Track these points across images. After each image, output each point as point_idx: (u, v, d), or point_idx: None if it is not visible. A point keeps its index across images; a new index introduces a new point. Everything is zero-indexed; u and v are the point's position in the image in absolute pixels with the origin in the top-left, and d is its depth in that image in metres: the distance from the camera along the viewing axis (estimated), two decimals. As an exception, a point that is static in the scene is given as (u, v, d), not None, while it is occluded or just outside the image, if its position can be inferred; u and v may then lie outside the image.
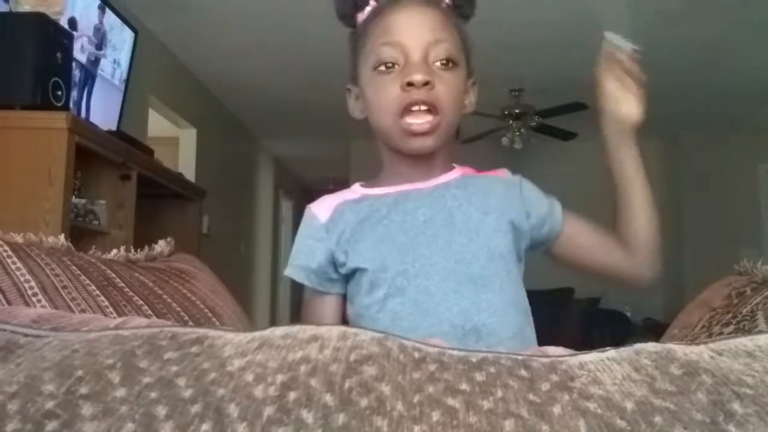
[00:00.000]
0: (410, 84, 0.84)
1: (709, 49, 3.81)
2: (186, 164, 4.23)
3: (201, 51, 3.94)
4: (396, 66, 0.86)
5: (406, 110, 0.85)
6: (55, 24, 1.98)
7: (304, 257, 0.91)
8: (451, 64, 0.87)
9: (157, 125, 3.86)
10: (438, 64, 0.86)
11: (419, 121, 0.85)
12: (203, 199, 3.37)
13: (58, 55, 1.95)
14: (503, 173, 0.98)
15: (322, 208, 0.93)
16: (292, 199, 8.29)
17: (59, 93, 1.94)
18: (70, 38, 2.05)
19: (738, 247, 3.14)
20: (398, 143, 0.89)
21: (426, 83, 0.84)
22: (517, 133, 4.72)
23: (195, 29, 3.62)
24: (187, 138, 4.39)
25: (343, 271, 0.89)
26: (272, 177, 7.07)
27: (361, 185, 0.97)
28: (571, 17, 3.37)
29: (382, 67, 0.87)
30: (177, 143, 4.37)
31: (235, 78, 4.44)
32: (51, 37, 1.93)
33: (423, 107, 0.85)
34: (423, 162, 0.92)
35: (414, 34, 0.87)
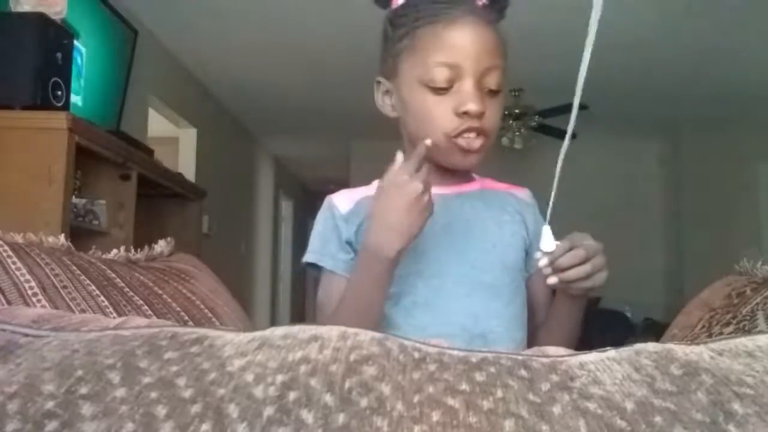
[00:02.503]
0: (466, 113, 0.85)
1: (709, 50, 3.81)
2: (186, 164, 4.23)
3: (201, 51, 3.94)
4: (449, 87, 0.86)
5: (459, 134, 0.87)
6: (55, 24, 1.98)
7: (334, 246, 0.93)
8: (498, 90, 0.88)
9: (157, 125, 3.86)
10: (487, 90, 0.87)
11: (472, 143, 0.87)
12: (203, 199, 3.36)
13: (58, 55, 1.95)
14: (523, 193, 1.01)
15: (343, 200, 0.95)
16: (292, 199, 8.29)
17: (59, 93, 1.94)
18: (70, 38, 2.05)
19: (738, 247, 3.14)
20: (443, 157, 0.90)
21: (481, 113, 0.85)
22: (517, 133, 4.72)
23: (195, 29, 3.62)
24: (187, 138, 4.39)
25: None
26: (272, 177, 7.07)
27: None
28: (571, 17, 3.37)
29: (437, 84, 0.87)
30: (177, 143, 4.37)
31: (235, 78, 4.44)
32: (51, 37, 1.93)
33: (473, 134, 0.86)
34: (446, 169, 0.93)
35: (473, 59, 0.85)
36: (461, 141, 0.87)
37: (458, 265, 0.88)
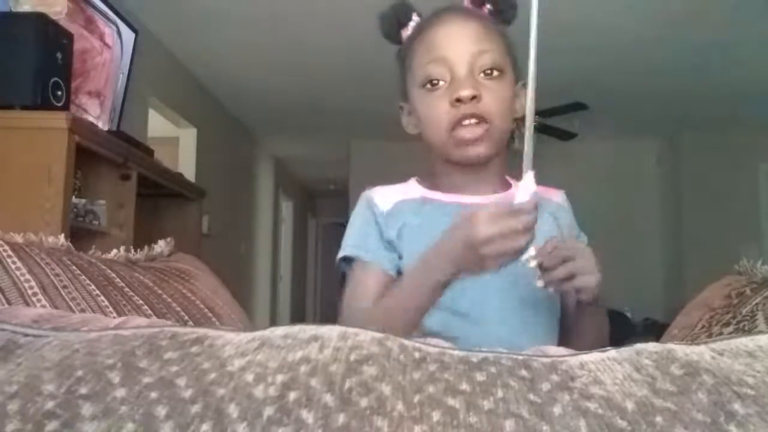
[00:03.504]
0: (458, 100, 0.85)
1: (709, 50, 3.81)
2: (186, 164, 4.23)
3: (201, 51, 3.94)
4: (442, 82, 0.88)
5: (458, 123, 0.87)
6: (55, 24, 1.98)
7: (375, 241, 0.92)
8: (496, 73, 0.88)
9: (157, 125, 3.86)
10: (483, 75, 0.88)
11: (470, 131, 0.87)
12: (203, 199, 3.36)
13: (58, 55, 1.95)
14: (559, 196, 1.00)
15: (382, 199, 0.95)
16: (292, 199, 8.29)
17: (59, 93, 1.94)
18: (70, 38, 2.05)
19: (738, 247, 3.14)
20: (453, 154, 0.90)
21: (473, 97, 0.85)
22: (517, 133, 4.72)
23: (195, 29, 3.62)
24: (187, 138, 4.39)
25: (399, 264, 0.91)
26: (272, 177, 7.07)
27: (418, 182, 0.99)
28: (572, 18, 3.37)
29: (429, 85, 0.89)
30: (177, 143, 4.37)
31: (235, 78, 4.44)
32: (51, 37, 1.93)
33: (473, 120, 0.86)
34: (478, 174, 0.93)
35: (457, 47, 0.88)
36: (460, 132, 0.87)
37: (497, 279, 0.86)
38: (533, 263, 0.78)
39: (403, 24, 0.96)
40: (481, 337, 0.85)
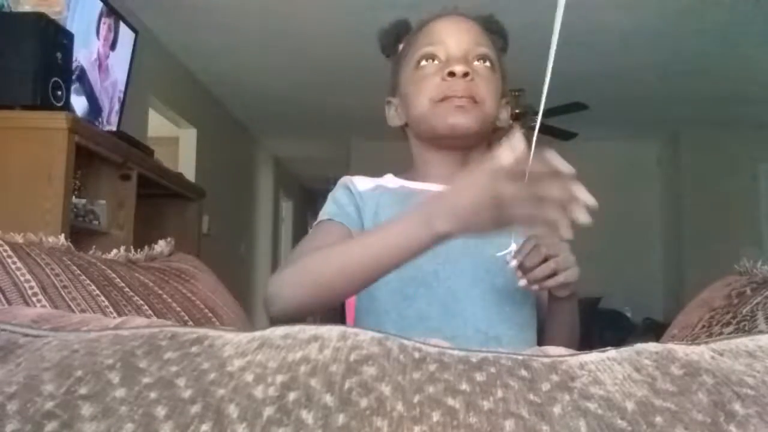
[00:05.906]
0: (451, 74, 0.86)
1: (709, 50, 3.80)
2: (186, 164, 4.23)
3: (201, 51, 3.94)
4: (436, 61, 0.90)
5: (445, 98, 0.87)
6: (55, 24, 1.98)
7: (349, 208, 0.92)
8: (488, 63, 0.91)
9: (157, 125, 3.86)
10: (476, 61, 0.90)
11: (459, 103, 0.87)
12: (203, 199, 3.36)
13: (58, 55, 1.95)
14: None
15: (360, 180, 0.96)
16: (292, 199, 8.29)
17: (59, 93, 1.94)
18: (70, 38, 2.05)
19: (738, 247, 3.14)
20: (437, 123, 0.89)
21: (466, 74, 0.86)
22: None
23: (195, 29, 3.62)
24: (187, 138, 4.39)
25: None
26: (272, 177, 7.07)
27: (394, 176, 1.00)
28: (572, 17, 3.37)
29: (424, 62, 0.90)
30: (177, 143, 4.37)
31: (235, 78, 4.44)
32: (51, 37, 1.93)
33: (463, 101, 0.86)
34: (457, 163, 0.92)
35: (456, 36, 0.90)
36: (447, 105, 0.87)
37: (472, 267, 0.88)
38: (513, 263, 0.78)
39: (401, 39, 0.99)
40: (459, 329, 0.84)
